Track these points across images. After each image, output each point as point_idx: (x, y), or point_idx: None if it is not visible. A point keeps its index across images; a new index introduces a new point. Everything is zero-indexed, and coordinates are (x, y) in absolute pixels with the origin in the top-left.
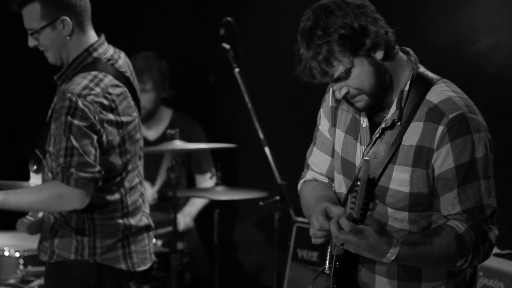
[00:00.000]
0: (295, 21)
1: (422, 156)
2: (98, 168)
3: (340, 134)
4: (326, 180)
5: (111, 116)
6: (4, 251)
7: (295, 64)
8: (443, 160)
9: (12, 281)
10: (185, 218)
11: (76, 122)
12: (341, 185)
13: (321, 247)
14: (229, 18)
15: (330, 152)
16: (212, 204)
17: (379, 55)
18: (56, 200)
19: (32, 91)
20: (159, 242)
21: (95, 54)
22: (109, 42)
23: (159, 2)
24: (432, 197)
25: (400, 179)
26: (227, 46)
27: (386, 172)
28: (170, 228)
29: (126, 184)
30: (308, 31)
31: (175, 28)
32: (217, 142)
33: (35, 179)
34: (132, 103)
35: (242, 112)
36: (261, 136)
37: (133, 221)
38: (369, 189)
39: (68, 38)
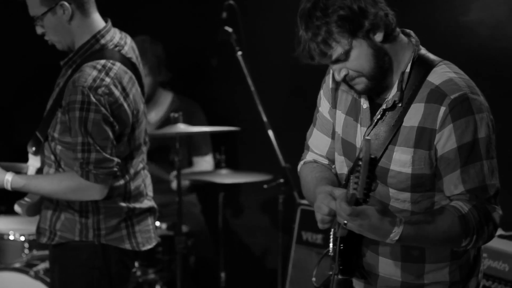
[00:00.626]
0: (297, 4)
1: (424, 137)
2: (115, 161)
3: (340, 116)
4: (326, 161)
5: (123, 105)
6: (9, 235)
7: (295, 45)
8: (446, 141)
9: (17, 265)
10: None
11: (91, 116)
12: (342, 166)
13: (326, 230)
14: (231, 1)
15: (330, 134)
16: (217, 187)
17: (378, 37)
18: (75, 192)
19: (34, 74)
20: (164, 225)
21: (102, 41)
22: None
23: None
24: (434, 178)
25: (401, 160)
26: (229, 29)
27: (387, 153)
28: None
29: (131, 170)
30: (307, 12)
31: (177, 11)
32: (220, 125)
33: (33, 161)
34: (139, 89)
35: (245, 95)
36: (265, 119)
37: (136, 204)
38: (371, 168)
39: (69, 23)
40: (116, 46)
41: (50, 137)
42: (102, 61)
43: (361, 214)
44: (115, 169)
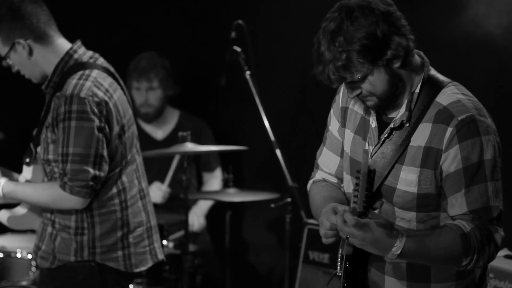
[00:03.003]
0: (306, 24)
1: (430, 157)
2: (92, 172)
3: (349, 134)
4: (335, 180)
5: (109, 105)
6: (16, 253)
7: (313, 61)
8: (451, 161)
9: (24, 282)
10: (198, 218)
11: (72, 124)
12: (349, 185)
13: (333, 249)
14: (240, 21)
15: (340, 152)
16: (224, 206)
17: (396, 64)
18: (56, 202)
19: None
20: (171, 244)
21: (75, 56)
22: (118, 46)
23: (170, 4)
24: (439, 198)
25: (408, 180)
26: (238, 49)
27: (393, 172)
28: (182, 232)
29: (124, 179)
30: (330, 34)
31: (187, 31)
32: (228, 144)
33: (25, 172)
34: (124, 96)
35: (253, 114)
36: (272, 138)
37: (131, 216)
38: (370, 180)
39: (29, 58)
40: (90, 58)
41: (45, 162)
42: (80, 72)
43: (364, 226)
44: (91, 182)
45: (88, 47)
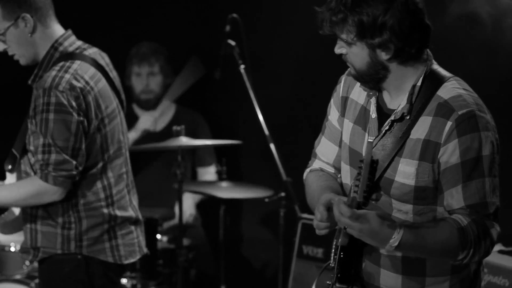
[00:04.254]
0: (300, 18)
1: (428, 150)
2: (75, 163)
3: (348, 124)
4: (332, 170)
5: (88, 98)
6: (10, 246)
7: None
8: (450, 155)
9: (18, 276)
10: (189, 208)
11: (51, 116)
12: (347, 176)
13: (327, 244)
14: (234, 15)
15: (338, 142)
16: (218, 201)
17: (384, 56)
18: (35, 197)
19: (7, 92)
20: (165, 238)
21: (61, 48)
22: (112, 37)
23: None
24: (436, 191)
25: (406, 172)
26: (232, 42)
27: (392, 165)
28: (175, 221)
29: (109, 173)
30: None
31: (181, 24)
32: (222, 138)
33: (9, 179)
34: (109, 88)
35: (248, 108)
36: (267, 132)
37: (118, 211)
38: (372, 170)
39: (31, 35)
40: (77, 49)
41: (30, 152)
42: (60, 63)
43: (361, 217)
44: (74, 172)
45: (85, 37)
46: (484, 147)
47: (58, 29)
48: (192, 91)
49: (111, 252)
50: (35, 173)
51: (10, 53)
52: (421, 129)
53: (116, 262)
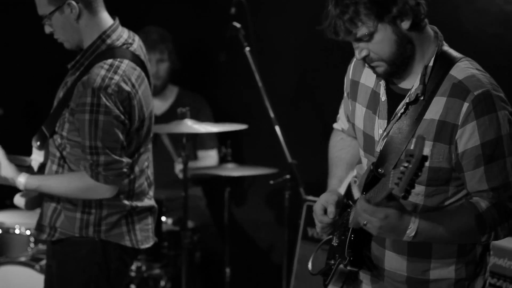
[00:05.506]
0: (305, 0)
1: (445, 131)
2: (125, 162)
3: (361, 109)
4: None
5: (133, 102)
6: (15, 229)
7: (322, 19)
8: (469, 137)
9: (23, 258)
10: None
11: (100, 118)
12: (363, 161)
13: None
14: None
15: (348, 117)
16: (223, 182)
17: (405, 24)
18: (85, 192)
19: (43, 71)
20: (170, 221)
21: (108, 41)
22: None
23: None
24: (451, 172)
25: None
26: (238, 25)
27: (409, 146)
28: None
29: (136, 168)
30: None
31: (186, 6)
32: (227, 121)
33: (36, 155)
34: (148, 86)
35: (253, 91)
36: (272, 115)
37: (137, 202)
38: (420, 167)
39: (76, 21)
40: (124, 44)
41: (59, 136)
42: (109, 60)
43: (382, 214)
44: (125, 169)
45: None
46: (503, 126)
47: (105, 18)
48: (196, 74)
49: (129, 236)
50: (61, 154)
51: (55, 36)
52: (435, 110)
53: (134, 247)
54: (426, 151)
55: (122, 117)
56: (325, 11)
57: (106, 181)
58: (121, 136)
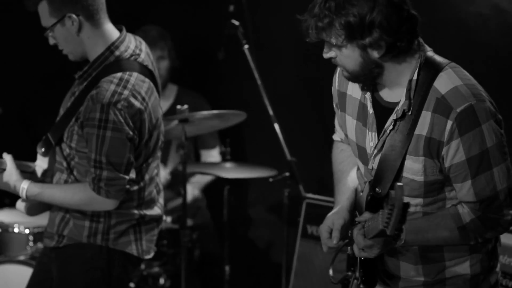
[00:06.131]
0: None
1: (432, 147)
2: (127, 179)
3: (351, 121)
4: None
5: (144, 115)
6: (14, 227)
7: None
8: (454, 154)
9: (22, 257)
10: (193, 189)
11: (108, 134)
12: (362, 174)
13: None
14: None
15: (342, 126)
16: (222, 181)
17: (376, 54)
18: (87, 205)
19: (46, 80)
20: (169, 219)
21: (117, 53)
22: (113, 18)
23: None
24: (445, 181)
25: (413, 169)
26: (236, 22)
27: (403, 163)
28: (179, 201)
29: (146, 176)
30: None
31: (184, 4)
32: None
33: (41, 162)
34: (157, 96)
35: (252, 88)
36: (271, 112)
37: (146, 211)
38: (404, 213)
39: (78, 34)
40: (131, 55)
41: (67, 146)
42: (119, 74)
43: (375, 246)
44: (127, 186)
45: None
46: (488, 138)
47: (110, 29)
48: (196, 72)
49: (135, 245)
50: (68, 164)
51: (59, 48)
52: (422, 125)
53: (139, 256)
54: (419, 167)
55: (131, 133)
56: (307, 10)
57: (108, 196)
58: (127, 153)
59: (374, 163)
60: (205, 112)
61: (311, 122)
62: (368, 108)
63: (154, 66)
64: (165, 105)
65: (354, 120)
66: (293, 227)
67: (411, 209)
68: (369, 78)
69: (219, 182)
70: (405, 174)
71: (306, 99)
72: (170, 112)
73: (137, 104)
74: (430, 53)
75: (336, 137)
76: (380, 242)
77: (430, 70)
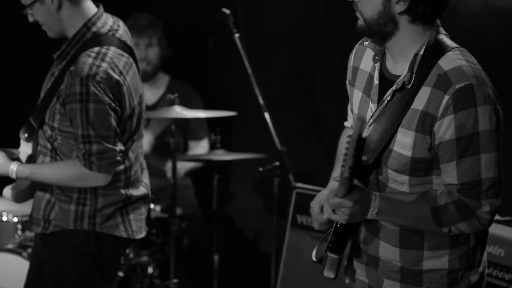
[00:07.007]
0: None
1: (425, 123)
2: (117, 150)
3: (357, 94)
4: None
5: (122, 88)
6: (2, 216)
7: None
8: (445, 130)
9: (10, 246)
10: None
11: (90, 107)
12: None
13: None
14: None
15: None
16: (211, 169)
17: (396, 7)
18: (79, 181)
19: (30, 63)
20: (158, 208)
21: (94, 29)
22: (105, 7)
23: None
24: (433, 162)
25: (403, 143)
26: (227, 11)
27: (394, 135)
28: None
29: (131, 155)
30: None
31: None
32: (216, 108)
33: (24, 147)
34: (137, 71)
35: (242, 77)
36: (261, 101)
37: (133, 191)
38: (358, 147)
39: (57, 12)
40: (109, 31)
41: (49, 127)
42: (96, 48)
43: (345, 206)
44: (118, 158)
45: None
46: (481, 122)
47: (89, 7)
48: (186, 61)
49: (124, 227)
50: (52, 146)
51: (39, 23)
52: (420, 100)
53: (129, 237)
54: (408, 142)
55: (113, 104)
56: None
57: (100, 170)
58: (113, 123)
59: (368, 132)
60: (198, 113)
61: (301, 112)
62: (375, 79)
63: (133, 43)
64: (156, 94)
65: (360, 93)
66: (282, 217)
67: (397, 187)
68: (381, 32)
69: (208, 171)
70: (394, 147)
71: (297, 88)
72: (161, 101)
73: (115, 76)
74: (442, 35)
75: (347, 123)
76: (350, 200)
77: (437, 50)
